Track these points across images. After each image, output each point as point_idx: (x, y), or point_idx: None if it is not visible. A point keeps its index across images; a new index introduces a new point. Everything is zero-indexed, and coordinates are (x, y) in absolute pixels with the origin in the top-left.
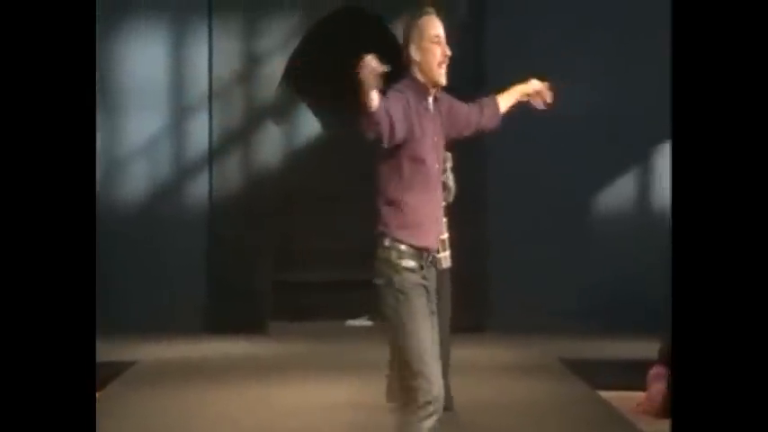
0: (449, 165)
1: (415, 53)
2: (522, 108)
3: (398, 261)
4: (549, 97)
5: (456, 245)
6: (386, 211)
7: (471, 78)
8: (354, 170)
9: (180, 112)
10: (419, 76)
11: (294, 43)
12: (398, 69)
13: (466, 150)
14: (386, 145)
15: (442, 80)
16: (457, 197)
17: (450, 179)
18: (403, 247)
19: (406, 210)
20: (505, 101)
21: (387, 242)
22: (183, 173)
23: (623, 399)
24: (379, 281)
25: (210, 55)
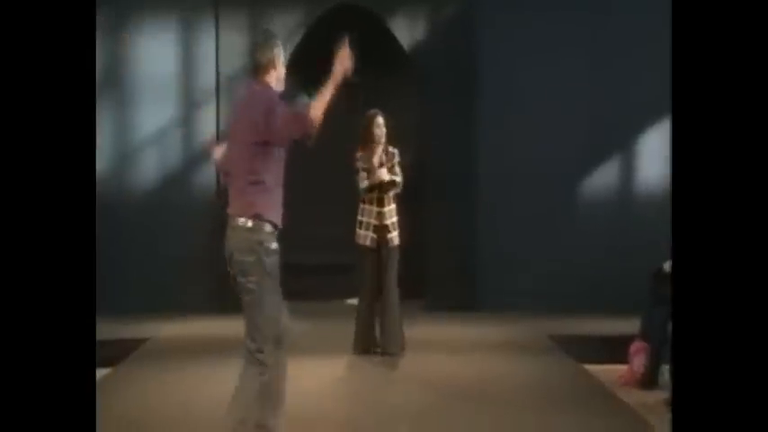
0: (396, 160)
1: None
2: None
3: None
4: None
5: (449, 229)
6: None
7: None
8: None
9: (189, 105)
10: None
11: (297, 38)
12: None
13: (455, 138)
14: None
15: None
16: (448, 183)
17: (398, 174)
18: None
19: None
20: (319, 102)
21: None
22: (192, 162)
23: (607, 371)
24: None
25: (217, 49)
